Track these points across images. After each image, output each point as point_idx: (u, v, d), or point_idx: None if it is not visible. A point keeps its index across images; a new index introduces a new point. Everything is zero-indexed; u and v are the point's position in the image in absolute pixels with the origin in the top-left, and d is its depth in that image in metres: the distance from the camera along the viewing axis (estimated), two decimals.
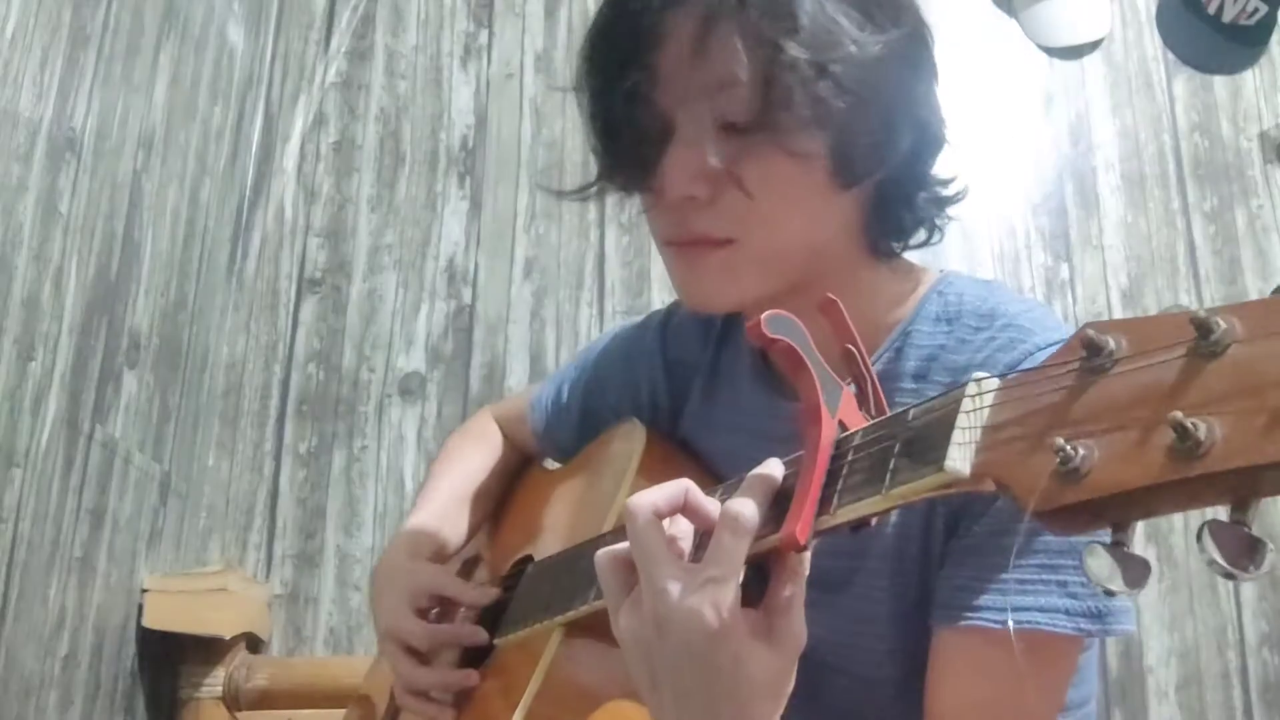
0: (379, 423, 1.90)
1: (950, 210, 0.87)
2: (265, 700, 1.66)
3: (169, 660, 1.65)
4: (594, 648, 0.78)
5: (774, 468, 0.59)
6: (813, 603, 0.62)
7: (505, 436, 1.15)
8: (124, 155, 1.52)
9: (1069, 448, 0.41)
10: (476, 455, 1.13)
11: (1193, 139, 2.09)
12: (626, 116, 0.79)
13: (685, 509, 0.61)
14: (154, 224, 1.62)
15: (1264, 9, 2.08)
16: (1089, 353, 0.43)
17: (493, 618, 0.95)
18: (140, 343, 1.59)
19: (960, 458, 0.47)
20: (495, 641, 0.91)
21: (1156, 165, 2.08)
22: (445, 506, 1.07)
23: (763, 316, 0.55)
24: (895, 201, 0.83)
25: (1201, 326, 0.39)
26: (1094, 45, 2.13)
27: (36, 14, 1.28)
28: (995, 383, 0.48)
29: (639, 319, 1.10)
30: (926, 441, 0.49)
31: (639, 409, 1.02)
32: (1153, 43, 2.15)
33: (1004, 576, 0.72)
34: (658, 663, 0.59)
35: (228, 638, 1.64)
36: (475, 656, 0.93)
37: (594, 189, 0.87)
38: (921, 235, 0.87)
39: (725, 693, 0.57)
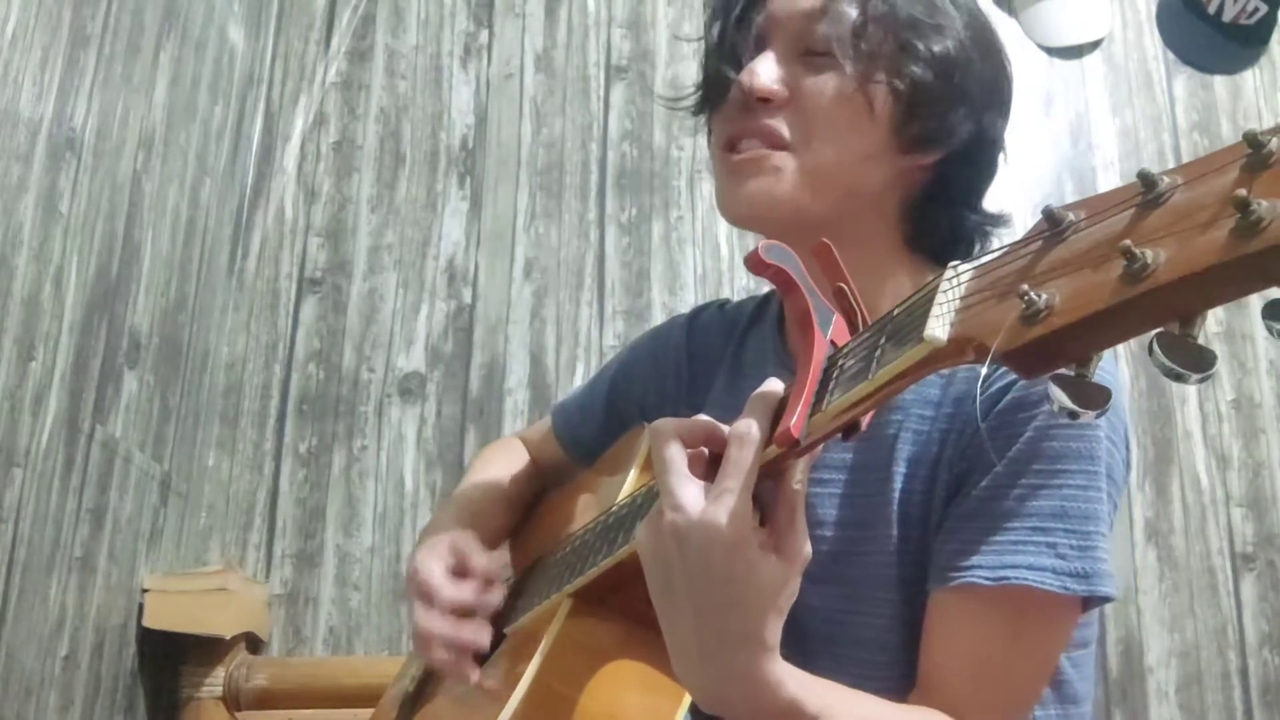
0: (379, 423, 1.90)
1: (989, 241, 0.94)
2: (265, 700, 1.66)
3: (169, 660, 1.65)
4: (600, 616, 0.79)
5: (773, 384, 0.63)
6: (819, 576, 0.64)
7: (530, 453, 1.17)
8: (124, 155, 1.52)
9: (1032, 293, 0.45)
10: (504, 463, 1.14)
11: (1193, 139, 2.09)
12: (739, 25, 0.90)
13: (709, 441, 0.65)
14: (154, 224, 1.62)
15: (1264, 9, 2.08)
16: (1051, 225, 0.48)
17: (503, 613, 0.95)
18: (140, 343, 1.59)
19: (938, 327, 0.50)
20: (506, 630, 0.91)
21: (1157, 165, 2.05)
22: (475, 505, 1.07)
23: (760, 245, 0.61)
24: (940, 202, 0.90)
25: (1147, 180, 0.44)
26: (1094, 45, 2.13)
27: (36, 14, 1.28)
28: (970, 267, 0.52)
29: (663, 322, 1.14)
30: (908, 325, 0.53)
31: (664, 404, 1.03)
32: (1153, 43, 2.15)
33: (997, 538, 0.75)
34: (676, 573, 0.62)
35: (228, 638, 1.64)
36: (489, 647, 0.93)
37: (691, 101, 0.97)
38: (955, 252, 0.92)
39: (738, 598, 0.61)
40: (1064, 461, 0.76)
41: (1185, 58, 2.13)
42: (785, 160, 0.86)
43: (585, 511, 0.97)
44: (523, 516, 1.13)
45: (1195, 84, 2.13)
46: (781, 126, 0.87)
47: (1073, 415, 0.46)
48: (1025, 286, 0.45)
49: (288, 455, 1.87)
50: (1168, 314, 0.42)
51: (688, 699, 0.76)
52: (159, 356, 1.65)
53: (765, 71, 0.87)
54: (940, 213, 0.90)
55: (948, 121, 0.87)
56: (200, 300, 1.81)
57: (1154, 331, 0.43)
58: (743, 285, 1.95)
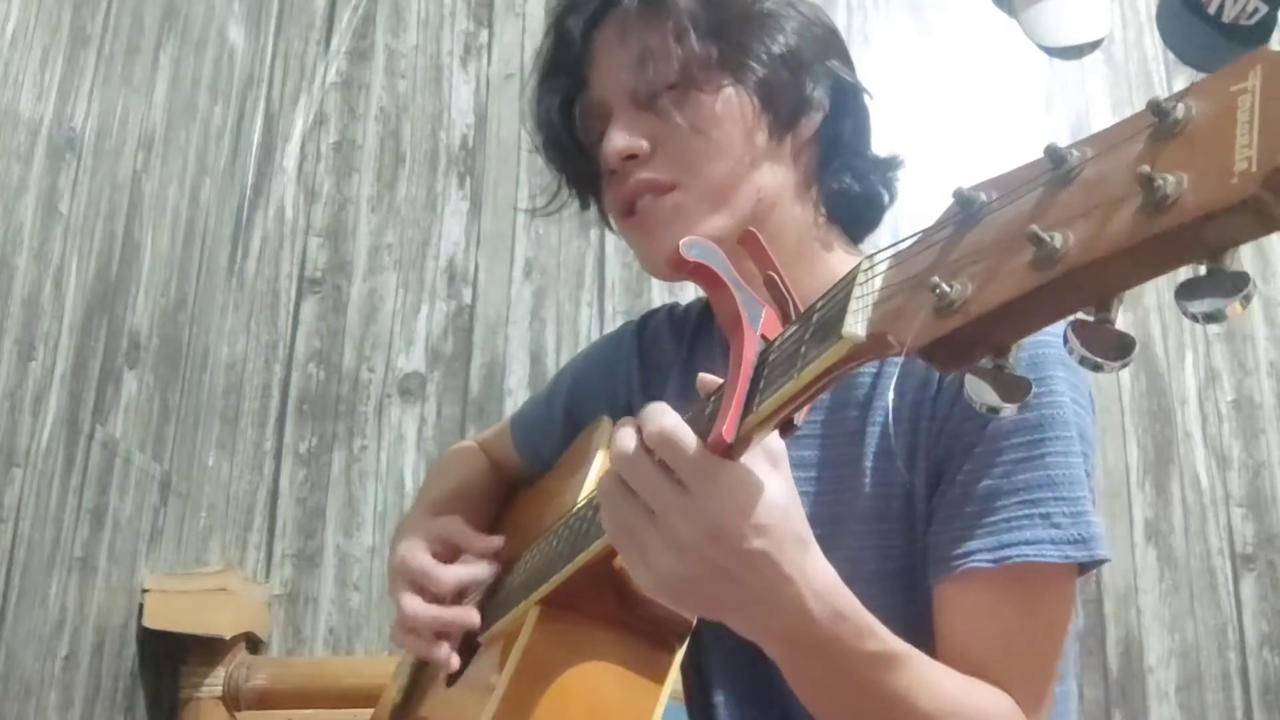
0: (379, 423, 1.89)
1: (893, 189, 0.97)
2: (265, 700, 1.66)
3: (169, 660, 1.65)
4: (570, 619, 0.79)
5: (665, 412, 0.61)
6: None
7: (490, 459, 1.16)
8: (124, 155, 1.52)
9: (944, 285, 0.44)
10: (467, 468, 1.14)
11: None
12: (570, 122, 0.94)
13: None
14: (154, 224, 1.62)
15: (1264, 9, 2.08)
16: (963, 208, 0.46)
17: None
18: (140, 343, 1.59)
19: (855, 323, 0.49)
20: (479, 638, 0.91)
21: None
22: (446, 506, 1.07)
23: (680, 242, 0.59)
24: (836, 162, 0.92)
25: (1055, 156, 0.42)
26: (1094, 45, 2.13)
27: (36, 14, 1.28)
28: (886, 257, 0.51)
29: (613, 331, 1.15)
30: (829, 322, 0.52)
31: (617, 412, 1.03)
32: (1153, 43, 2.15)
33: (989, 520, 0.75)
34: (710, 566, 0.60)
35: (228, 638, 1.64)
36: (463, 657, 0.93)
37: (559, 201, 1.03)
38: (868, 212, 0.96)
39: (776, 537, 0.60)
40: (1040, 430, 0.76)
41: (1185, 58, 2.13)
42: (678, 198, 0.87)
43: (552, 514, 0.97)
44: (492, 519, 1.13)
45: None
46: (659, 173, 0.88)
47: (993, 410, 0.44)
48: (936, 279, 0.44)
49: (288, 455, 1.87)
50: (1083, 299, 0.41)
51: (665, 695, 0.76)
52: (159, 356, 1.65)
53: (618, 134, 0.89)
54: (840, 172, 0.92)
55: (804, 90, 0.89)
56: (200, 300, 1.81)
57: (1068, 319, 0.41)
58: None
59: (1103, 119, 2.10)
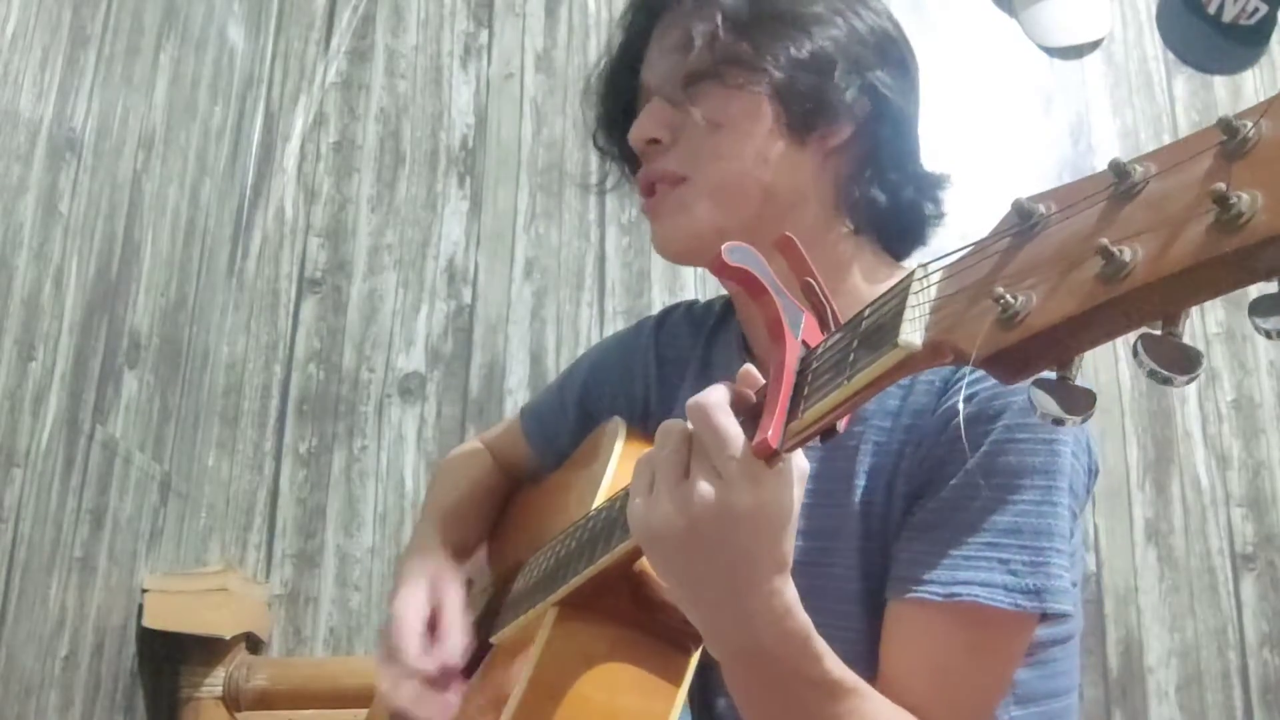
0: (379, 423, 1.90)
1: (940, 206, 0.95)
2: (265, 700, 1.66)
3: (169, 660, 1.65)
4: (587, 621, 0.79)
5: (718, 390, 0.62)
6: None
7: (494, 457, 1.15)
8: (124, 155, 1.52)
9: (1008, 295, 0.43)
10: (473, 471, 1.14)
11: None
12: (620, 110, 0.98)
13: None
14: (154, 224, 1.62)
15: (1264, 9, 2.08)
16: (1021, 219, 0.46)
17: (490, 621, 0.95)
18: (140, 343, 1.59)
19: (912, 331, 0.49)
20: (492, 640, 0.91)
21: None
22: (452, 517, 1.07)
23: (723, 247, 0.59)
24: (868, 173, 0.91)
25: (1119, 171, 0.42)
26: (1094, 45, 2.13)
27: (36, 14, 1.28)
28: (940, 267, 0.51)
29: (631, 325, 1.14)
30: (881, 329, 0.52)
31: (634, 406, 1.03)
32: (1153, 43, 2.15)
33: (951, 552, 0.75)
34: (695, 533, 0.61)
35: (228, 638, 1.64)
36: (475, 658, 0.93)
37: (601, 180, 1.05)
38: (906, 226, 0.94)
39: (761, 529, 0.61)
40: (1020, 476, 0.76)
41: (1185, 58, 2.13)
42: (686, 192, 0.89)
43: (563, 512, 0.96)
44: (497, 520, 1.12)
45: (1195, 84, 2.13)
46: (674, 163, 0.90)
47: (1058, 421, 0.44)
48: (1000, 289, 0.43)
49: (288, 455, 1.87)
50: (1150, 314, 0.41)
51: (681, 697, 0.76)
52: (159, 356, 1.65)
53: (645, 120, 0.92)
54: (871, 184, 0.91)
55: (829, 95, 0.88)
56: (200, 300, 1.81)
57: (1137, 332, 0.41)
58: None
59: (1103, 119, 2.10)
